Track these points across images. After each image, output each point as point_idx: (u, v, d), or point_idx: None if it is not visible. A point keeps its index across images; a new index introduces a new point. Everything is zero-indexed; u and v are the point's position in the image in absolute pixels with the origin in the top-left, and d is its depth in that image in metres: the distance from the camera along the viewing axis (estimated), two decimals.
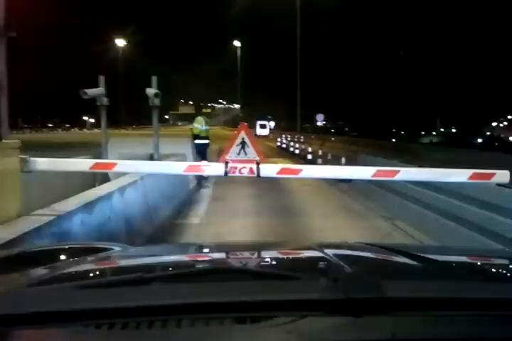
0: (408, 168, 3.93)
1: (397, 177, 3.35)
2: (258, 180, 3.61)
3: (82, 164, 3.61)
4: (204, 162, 7.25)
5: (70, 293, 0.92)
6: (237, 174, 3.52)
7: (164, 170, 4.16)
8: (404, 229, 6.14)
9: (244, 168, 3.48)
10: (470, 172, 3.33)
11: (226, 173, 3.52)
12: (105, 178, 6.35)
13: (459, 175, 3.40)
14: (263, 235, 5.75)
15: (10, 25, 3.88)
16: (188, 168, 3.67)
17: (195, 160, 9.75)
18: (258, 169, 3.46)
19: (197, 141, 10.58)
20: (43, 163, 3.52)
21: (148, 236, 4.97)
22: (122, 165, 3.59)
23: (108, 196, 4.25)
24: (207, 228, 6.16)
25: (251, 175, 3.50)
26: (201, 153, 10.48)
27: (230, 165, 3.49)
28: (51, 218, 3.14)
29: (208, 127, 10.83)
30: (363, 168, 3.70)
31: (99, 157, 7.03)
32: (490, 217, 4.57)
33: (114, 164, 3.60)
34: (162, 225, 5.77)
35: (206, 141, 10.75)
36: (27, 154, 3.64)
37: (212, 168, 3.75)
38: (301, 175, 3.48)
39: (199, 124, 10.67)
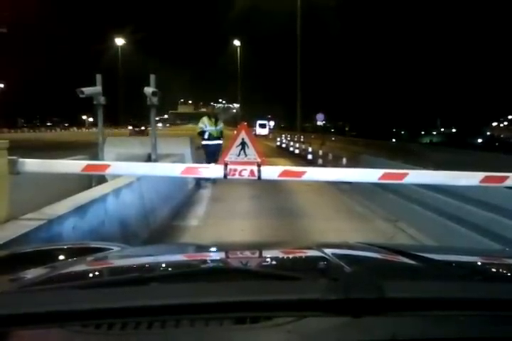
0: (416, 171, 3.79)
1: (406, 180, 3.19)
2: (258, 180, 3.46)
3: (73, 166, 3.45)
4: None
5: (69, 293, 0.93)
6: (237, 176, 3.36)
7: (160, 172, 4.00)
8: (407, 231, 6.04)
9: (245, 170, 3.32)
10: (482, 175, 3.18)
11: (225, 176, 3.36)
12: (102, 179, 6.20)
13: (470, 178, 3.25)
14: (263, 237, 5.64)
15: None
16: (185, 170, 3.51)
17: (196, 161, 9.54)
18: (259, 171, 3.31)
19: (203, 142, 10.34)
20: (32, 165, 3.37)
21: (145, 240, 4.82)
22: (116, 167, 3.44)
23: (102, 198, 4.10)
24: (205, 230, 6.06)
25: (251, 178, 3.35)
26: (207, 156, 10.12)
27: (229, 167, 3.33)
28: (41, 223, 2.99)
29: (213, 127, 10.26)
30: (369, 171, 3.55)
31: (96, 157, 6.92)
32: (497, 220, 4.47)
33: (107, 166, 3.45)
34: (159, 227, 5.65)
35: (212, 142, 10.17)
36: (22, 154, 3.52)
37: (210, 170, 3.59)
38: (304, 177, 3.32)
39: (202, 124, 10.34)
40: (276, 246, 1.89)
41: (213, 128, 10.22)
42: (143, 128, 38.68)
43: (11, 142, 3.36)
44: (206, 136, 10.20)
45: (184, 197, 8.01)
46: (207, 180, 9.71)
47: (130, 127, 46.58)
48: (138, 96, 8.14)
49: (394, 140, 39.98)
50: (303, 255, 1.57)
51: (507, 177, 3.17)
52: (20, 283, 1.18)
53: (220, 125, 10.48)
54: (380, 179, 3.29)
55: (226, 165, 3.35)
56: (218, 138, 10.22)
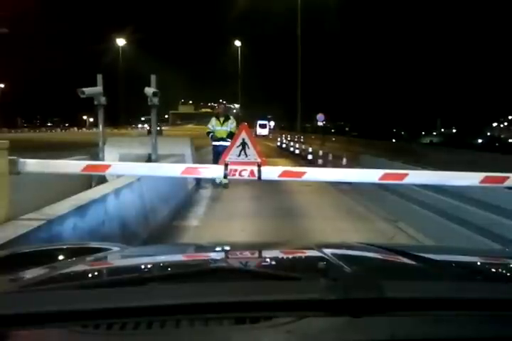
0: (417, 171, 3.79)
1: (406, 180, 3.20)
2: (258, 180, 3.46)
3: (74, 166, 3.45)
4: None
5: (69, 293, 0.92)
6: (237, 177, 3.36)
7: (160, 173, 3.99)
8: (407, 231, 6.05)
9: (245, 170, 3.33)
10: (482, 175, 3.18)
11: (225, 176, 3.37)
12: (102, 178, 6.21)
13: (470, 179, 3.25)
14: (263, 238, 5.63)
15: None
16: (185, 170, 3.51)
17: (196, 162, 9.45)
18: (259, 171, 3.31)
19: (212, 143, 10.04)
20: (32, 165, 3.36)
21: (145, 240, 4.82)
22: (116, 168, 3.43)
23: (102, 198, 4.09)
24: (206, 230, 6.06)
25: (252, 178, 3.35)
26: (213, 157, 9.76)
27: (229, 167, 3.34)
28: (41, 223, 2.98)
29: (220, 128, 9.77)
30: (369, 171, 3.55)
31: (96, 157, 6.92)
32: (498, 220, 4.46)
33: (108, 166, 3.45)
34: (159, 228, 5.64)
35: (216, 143, 9.75)
36: (24, 154, 3.52)
37: (211, 171, 3.60)
38: (304, 177, 3.32)
39: (210, 125, 10.00)
40: (276, 246, 1.89)
41: (219, 128, 9.80)
42: (158, 128, 42.76)
43: (11, 142, 3.36)
44: (210, 137, 9.96)
45: (184, 198, 8.01)
46: (216, 185, 9.55)
47: (147, 127, 52.31)
48: (138, 96, 8.14)
49: (394, 140, 40.01)
50: (303, 255, 1.57)
51: (507, 177, 3.17)
52: (20, 283, 1.18)
53: (231, 125, 9.80)
54: (380, 179, 3.29)
55: (226, 165, 3.35)
56: (223, 139, 9.56)
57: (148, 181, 5.68)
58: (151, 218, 5.58)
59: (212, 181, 9.65)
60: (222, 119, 9.89)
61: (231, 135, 9.41)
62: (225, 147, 9.66)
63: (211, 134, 9.93)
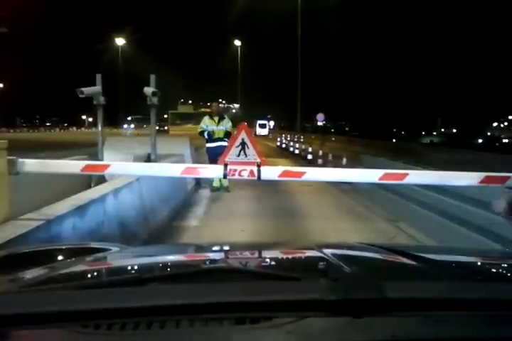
0: (417, 171, 3.79)
1: (406, 180, 3.19)
2: (258, 180, 3.46)
3: (73, 166, 3.44)
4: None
5: (69, 294, 0.92)
6: (236, 177, 3.36)
7: (160, 173, 3.98)
8: (407, 231, 6.05)
9: (245, 170, 3.32)
10: (482, 175, 3.18)
11: (225, 176, 3.37)
12: (101, 178, 6.20)
13: (470, 179, 3.24)
14: (263, 238, 5.63)
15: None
16: (185, 170, 3.50)
17: (196, 162, 9.27)
18: (259, 171, 3.30)
19: (206, 145, 9.42)
20: (31, 165, 3.36)
21: (145, 240, 4.82)
22: (115, 167, 3.43)
23: (102, 198, 4.09)
24: (206, 230, 6.06)
25: (251, 178, 3.35)
26: (208, 159, 8.98)
27: (229, 167, 3.33)
28: (40, 223, 2.98)
29: (215, 127, 9.15)
30: (369, 171, 3.54)
31: (96, 157, 6.92)
32: (498, 220, 4.45)
33: (107, 166, 3.44)
34: (159, 228, 5.63)
35: (212, 144, 9.08)
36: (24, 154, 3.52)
37: (210, 171, 3.59)
38: (304, 178, 3.32)
39: (203, 124, 9.33)
40: (276, 247, 1.89)
41: (216, 127, 9.18)
42: (165, 127, 43.69)
43: (10, 142, 3.36)
44: (206, 136, 9.23)
45: (184, 197, 8.00)
46: (215, 190, 9.18)
47: (132, 127, 54.43)
48: (138, 96, 8.14)
49: (394, 140, 40.01)
50: (303, 255, 1.57)
51: (508, 177, 3.16)
52: (20, 283, 1.18)
53: (226, 124, 9.23)
54: (380, 179, 3.29)
55: (226, 165, 3.35)
56: (221, 140, 8.94)
57: (147, 181, 5.67)
58: (151, 218, 5.57)
59: (209, 183, 9.42)
60: (216, 119, 9.27)
61: (227, 134, 9.04)
62: (225, 147, 9.41)
63: (207, 132, 9.18)
